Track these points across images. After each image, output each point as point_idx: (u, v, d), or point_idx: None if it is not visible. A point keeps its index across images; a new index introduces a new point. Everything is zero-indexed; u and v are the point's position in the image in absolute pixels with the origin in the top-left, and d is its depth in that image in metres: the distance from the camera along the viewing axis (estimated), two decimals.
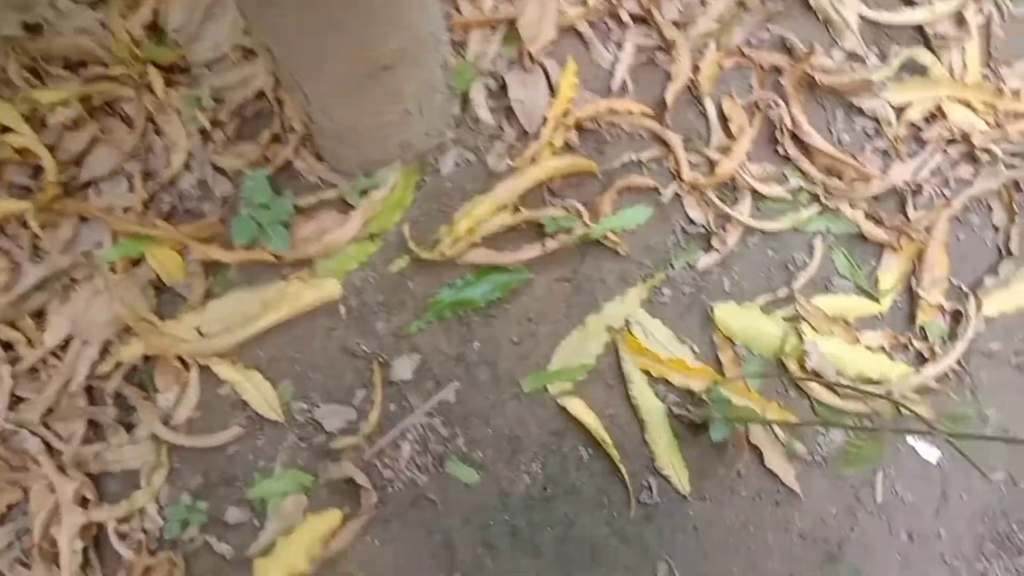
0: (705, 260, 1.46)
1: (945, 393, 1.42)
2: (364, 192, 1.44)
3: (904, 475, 1.38)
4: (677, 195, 1.48)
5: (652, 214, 1.47)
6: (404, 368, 1.38)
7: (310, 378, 1.38)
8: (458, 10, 1.55)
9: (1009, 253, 1.49)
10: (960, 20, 1.57)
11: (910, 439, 1.40)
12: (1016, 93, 1.53)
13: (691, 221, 1.48)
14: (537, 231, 1.45)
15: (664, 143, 1.51)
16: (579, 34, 1.58)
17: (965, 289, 1.46)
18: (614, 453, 1.33)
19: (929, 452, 1.39)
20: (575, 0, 1.58)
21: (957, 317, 1.45)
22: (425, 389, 1.38)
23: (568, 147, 1.50)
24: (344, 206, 1.46)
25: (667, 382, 1.39)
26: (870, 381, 1.40)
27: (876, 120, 1.54)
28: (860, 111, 1.54)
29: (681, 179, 1.47)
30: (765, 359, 1.41)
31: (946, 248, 1.49)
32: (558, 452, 1.36)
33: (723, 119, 1.53)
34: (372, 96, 1.29)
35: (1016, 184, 1.51)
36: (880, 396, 1.38)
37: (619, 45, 1.57)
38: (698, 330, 1.43)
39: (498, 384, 1.39)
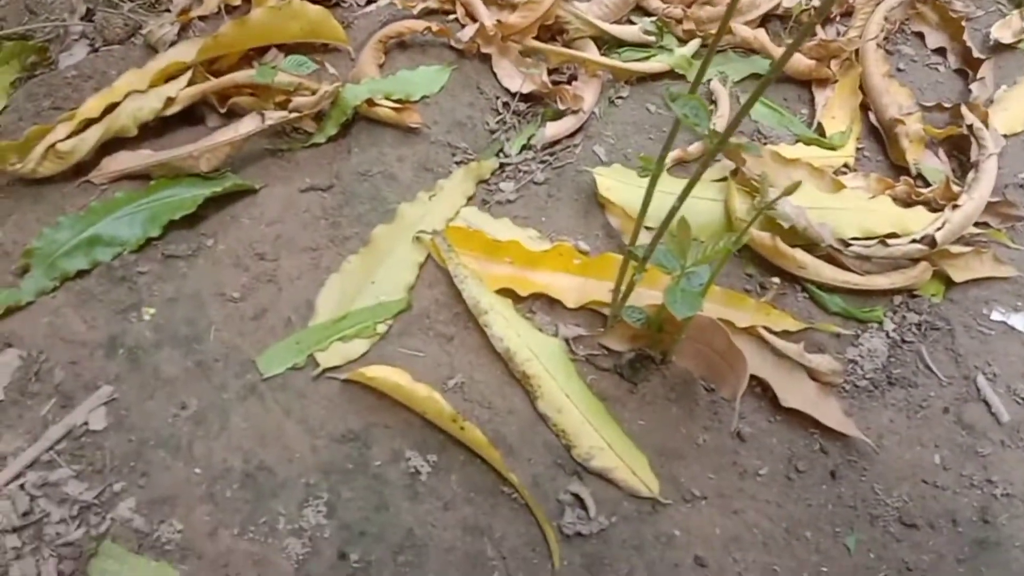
0: (556, 128, 0.85)
1: (997, 243, 0.84)
2: None
3: (1016, 370, 0.74)
4: (484, 55, 0.90)
5: (450, 78, 0.87)
6: None
7: None
8: None
9: (995, 49, 1.02)
10: None
11: (997, 313, 0.78)
12: None
13: (512, 94, 0.88)
14: (249, 105, 0.79)
15: None
16: None
17: (947, 105, 0.94)
18: (492, 454, 0.60)
19: None
20: None
21: (959, 147, 0.91)
22: (34, 417, 0.60)
23: None
24: None
25: (550, 301, 0.71)
26: (883, 239, 0.80)
27: None
28: None
29: (483, 26, 0.90)
30: (699, 242, 0.77)
31: (890, 79, 0.99)
32: (364, 478, 0.60)
33: None
34: None
35: None
36: (924, 253, 0.77)
37: None
38: (578, 224, 0.78)
39: (207, 377, 0.64)
